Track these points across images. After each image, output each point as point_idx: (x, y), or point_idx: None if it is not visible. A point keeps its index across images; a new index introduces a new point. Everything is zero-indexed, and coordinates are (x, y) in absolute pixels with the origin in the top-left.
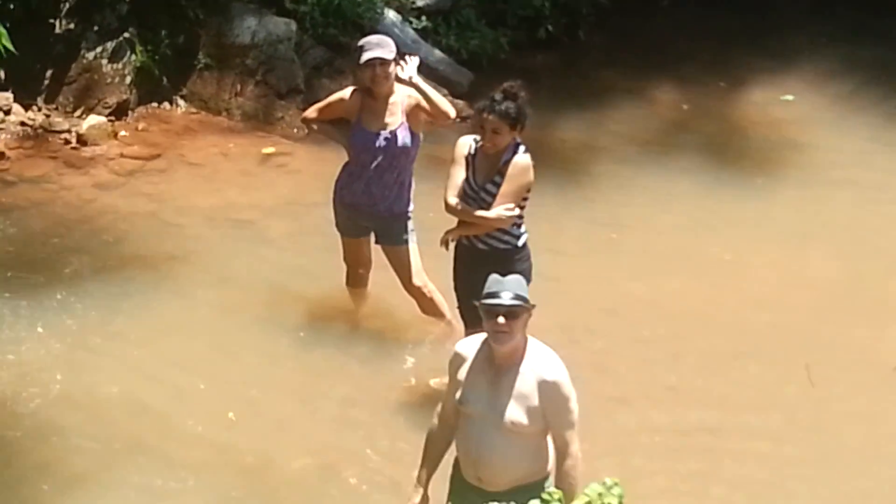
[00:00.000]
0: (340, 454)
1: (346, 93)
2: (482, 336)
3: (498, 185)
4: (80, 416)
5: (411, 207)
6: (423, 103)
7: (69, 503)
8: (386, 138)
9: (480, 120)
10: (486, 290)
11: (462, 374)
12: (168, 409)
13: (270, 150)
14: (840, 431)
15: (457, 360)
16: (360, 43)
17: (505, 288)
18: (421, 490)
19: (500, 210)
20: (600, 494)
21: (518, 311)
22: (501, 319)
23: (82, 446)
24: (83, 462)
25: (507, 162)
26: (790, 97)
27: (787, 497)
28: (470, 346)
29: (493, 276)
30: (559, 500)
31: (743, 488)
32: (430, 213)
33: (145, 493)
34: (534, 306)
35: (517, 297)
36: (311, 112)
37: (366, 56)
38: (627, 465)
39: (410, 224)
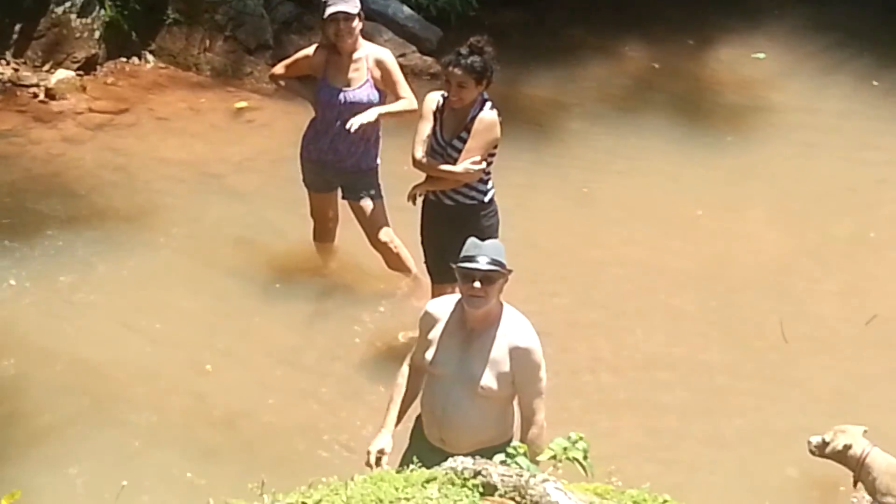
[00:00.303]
0: (309, 409)
1: (311, 49)
2: (455, 297)
3: (464, 141)
4: (51, 368)
5: (378, 163)
6: (389, 64)
7: (37, 454)
8: (351, 95)
9: (446, 74)
10: (463, 254)
11: (433, 334)
12: (139, 361)
13: (243, 104)
14: (812, 385)
15: (428, 319)
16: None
17: (482, 252)
18: (387, 434)
19: (466, 164)
20: (565, 449)
21: (494, 276)
22: (477, 284)
23: (51, 398)
24: (55, 413)
25: (474, 118)
26: (761, 55)
27: (759, 452)
28: (443, 306)
29: (472, 240)
30: (524, 453)
31: (713, 443)
32: (399, 167)
33: (118, 445)
34: (510, 272)
35: (494, 261)
36: (279, 68)
37: (329, 10)
38: (595, 422)
39: (377, 179)
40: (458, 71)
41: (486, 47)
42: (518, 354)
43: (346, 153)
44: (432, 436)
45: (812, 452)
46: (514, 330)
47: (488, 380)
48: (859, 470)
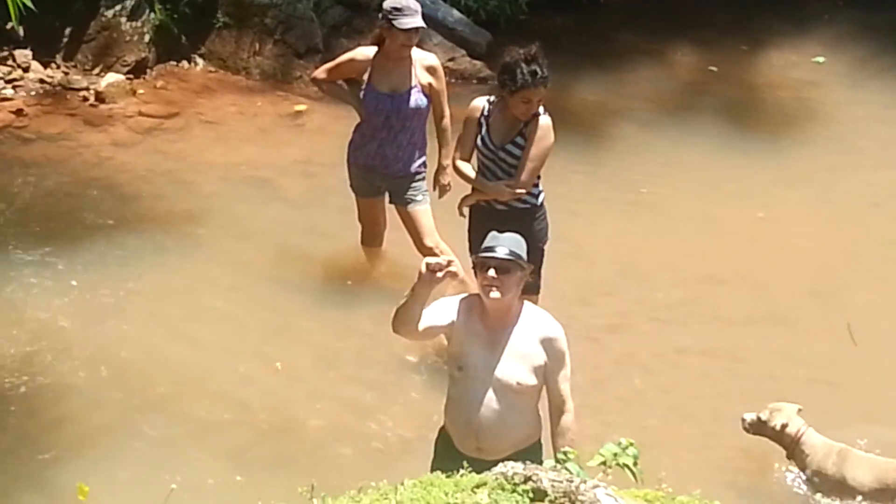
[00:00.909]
0: (355, 413)
1: (357, 53)
2: (458, 298)
3: (520, 147)
4: (97, 371)
5: (425, 167)
6: (440, 71)
7: (87, 456)
8: (398, 100)
9: (528, 94)
10: (483, 245)
11: (457, 337)
12: (185, 366)
13: (302, 107)
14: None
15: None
16: (398, 5)
17: (500, 243)
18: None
19: (502, 186)
20: (615, 455)
21: (510, 267)
22: (492, 272)
23: (100, 401)
24: (101, 417)
25: (528, 123)
26: (821, 59)
27: None
28: (468, 304)
29: (492, 233)
30: (575, 458)
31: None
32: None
33: (162, 449)
34: (530, 267)
35: (511, 253)
36: (321, 72)
37: (407, 24)
38: (639, 425)
39: (424, 184)
40: (542, 89)
41: (540, 53)
42: (549, 344)
43: (394, 158)
44: (467, 446)
45: (746, 430)
46: (538, 322)
47: (524, 375)
48: (793, 448)
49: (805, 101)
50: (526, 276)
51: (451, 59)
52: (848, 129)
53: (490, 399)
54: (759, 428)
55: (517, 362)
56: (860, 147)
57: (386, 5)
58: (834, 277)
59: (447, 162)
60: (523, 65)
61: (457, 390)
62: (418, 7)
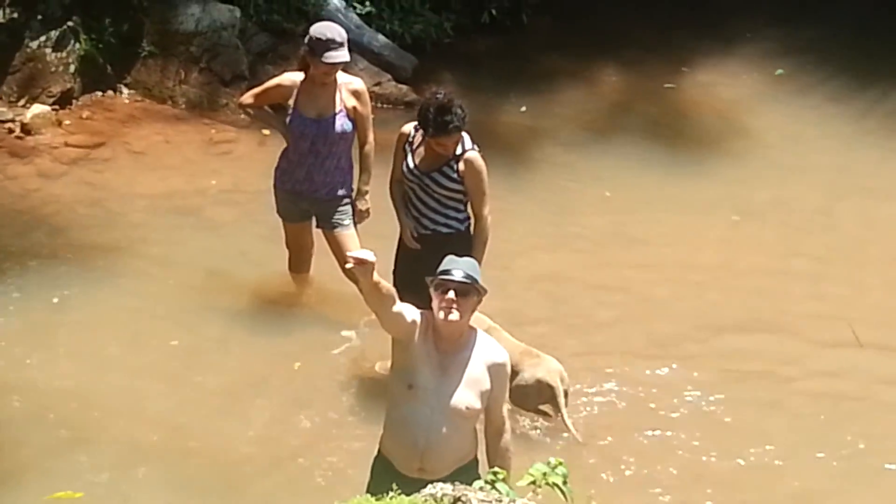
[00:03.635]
0: (286, 440)
1: (283, 78)
2: (429, 317)
3: (447, 177)
4: (24, 405)
5: (352, 190)
6: (365, 96)
7: (20, 487)
8: (324, 125)
9: (441, 140)
10: (440, 269)
11: (415, 348)
12: (114, 397)
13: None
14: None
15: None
16: (323, 36)
17: (458, 266)
18: None
19: (408, 233)
20: (545, 474)
21: (468, 290)
22: (451, 294)
23: (26, 436)
24: (27, 451)
25: (460, 157)
26: (780, 71)
27: None
28: (426, 322)
29: (449, 256)
30: (504, 479)
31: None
32: (374, 196)
33: (93, 480)
34: (485, 291)
35: (469, 276)
36: (248, 98)
37: (332, 59)
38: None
39: (349, 208)
40: (456, 134)
41: (453, 98)
42: (495, 370)
43: (321, 183)
44: (409, 467)
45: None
46: (486, 348)
47: (471, 400)
48: None
49: (728, 121)
50: (481, 301)
51: (377, 84)
52: (772, 147)
53: (438, 423)
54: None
55: (467, 388)
56: (786, 163)
57: (312, 33)
58: (765, 295)
59: (366, 188)
60: (435, 114)
61: (402, 412)
62: (344, 38)
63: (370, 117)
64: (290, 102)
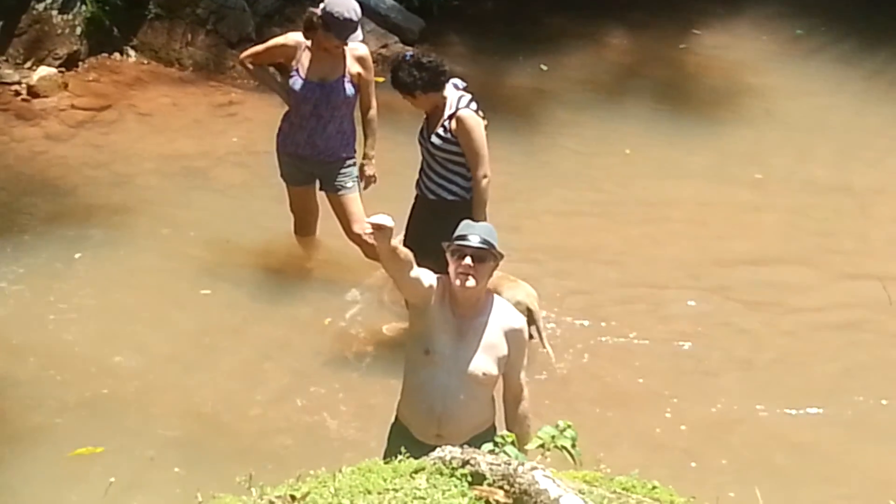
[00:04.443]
0: (294, 404)
1: (288, 38)
2: (445, 282)
3: (442, 139)
4: (35, 367)
5: (354, 153)
6: (369, 62)
7: (26, 453)
8: (328, 89)
9: (407, 99)
10: (456, 233)
11: (432, 312)
12: (123, 359)
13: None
14: None
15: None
16: (340, 17)
17: (475, 231)
18: None
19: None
20: (553, 437)
21: (485, 255)
22: (468, 260)
23: (38, 397)
24: (39, 413)
25: (452, 116)
26: (800, 31)
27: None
28: (442, 287)
29: (465, 221)
30: (513, 442)
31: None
32: (381, 159)
33: (105, 441)
34: (502, 256)
35: (486, 241)
36: (248, 55)
37: (347, 38)
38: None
39: (354, 170)
40: (407, 95)
41: (404, 59)
42: (513, 336)
43: (324, 147)
44: (427, 433)
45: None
46: (504, 314)
47: (488, 366)
48: None
49: (737, 82)
50: (497, 266)
51: (383, 46)
52: (781, 108)
53: (455, 388)
54: None
55: (484, 354)
56: (795, 124)
57: (330, 9)
58: (769, 257)
59: (373, 153)
60: (397, 71)
61: (420, 377)
62: (360, 15)
63: (373, 83)
64: (294, 64)
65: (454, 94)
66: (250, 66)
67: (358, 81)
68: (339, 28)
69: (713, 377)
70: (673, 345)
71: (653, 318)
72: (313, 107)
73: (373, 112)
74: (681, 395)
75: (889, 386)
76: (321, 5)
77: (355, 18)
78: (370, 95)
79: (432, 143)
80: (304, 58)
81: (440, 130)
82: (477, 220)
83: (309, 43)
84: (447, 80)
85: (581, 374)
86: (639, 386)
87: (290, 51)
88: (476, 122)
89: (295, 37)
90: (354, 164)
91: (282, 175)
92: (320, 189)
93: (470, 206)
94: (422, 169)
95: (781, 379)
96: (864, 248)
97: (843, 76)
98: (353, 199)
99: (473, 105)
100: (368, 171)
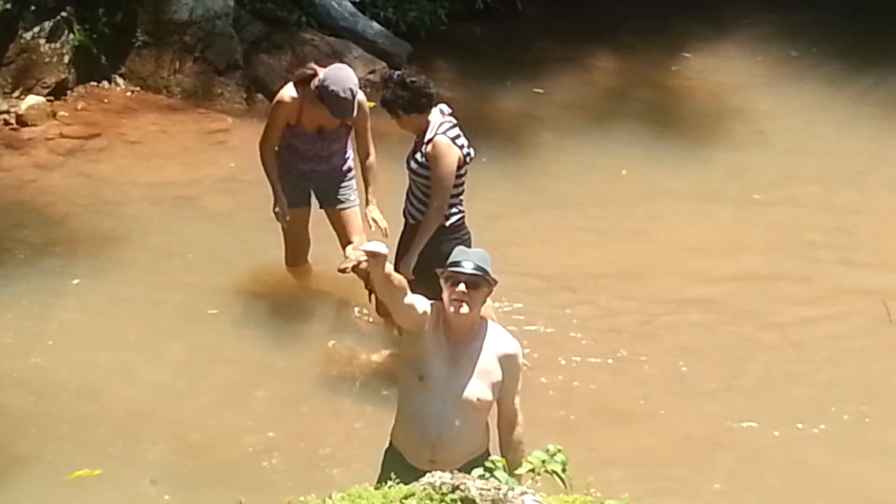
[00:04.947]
0: (285, 431)
1: (284, 97)
2: (439, 308)
3: (419, 163)
4: (23, 397)
5: (353, 169)
6: (366, 107)
7: (16, 482)
8: (326, 137)
9: (391, 116)
10: (450, 260)
11: (426, 338)
12: (113, 388)
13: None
14: None
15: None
16: (339, 91)
17: (469, 258)
18: None
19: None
20: (544, 461)
21: (478, 282)
22: (462, 287)
23: (27, 427)
24: (28, 443)
25: (430, 141)
26: (795, 53)
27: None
28: (436, 312)
29: (459, 248)
30: (503, 467)
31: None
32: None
33: (106, 460)
34: (496, 282)
35: (479, 268)
36: (265, 142)
37: (339, 116)
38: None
39: (354, 183)
40: (391, 113)
41: (391, 79)
42: (507, 361)
43: (325, 169)
44: (421, 459)
45: None
46: (498, 339)
47: (483, 391)
48: None
49: (724, 105)
50: (491, 292)
51: (371, 72)
52: (770, 129)
53: (449, 414)
54: None
55: (478, 379)
56: (782, 147)
57: (327, 83)
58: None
59: (374, 199)
60: (383, 88)
61: (414, 403)
62: (356, 92)
63: (370, 130)
64: (294, 119)
65: (438, 120)
66: (270, 155)
67: (355, 128)
68: (335, 107)
69: (702, 395)
70: (663, 364)
71: (642, 337)
72: (314, 151)
73: (371, 159)
74: (670, 413)
75: (876, 402)
76: (320, 75)
77: (351, 98)
78: (368, 142)
79: (411, 168)
80: (304, 112)
81: (418, 155)
82: (417, 245)
83: (304, 98)
84: (432, 104)
85: (570, 394)
86: (628, 405)
87: (291, 107)
88: (446, 150)
89: (290, 93)
90: (354, 178)
91: (276, 204)
92: (320, 207)
93: (442, 233)
94: (407, 193)
95: (770, 396)
96: (850, 267)
97: (829, 97)
98: (355, 213)
99: (452, 132)
100: (373, 215)
